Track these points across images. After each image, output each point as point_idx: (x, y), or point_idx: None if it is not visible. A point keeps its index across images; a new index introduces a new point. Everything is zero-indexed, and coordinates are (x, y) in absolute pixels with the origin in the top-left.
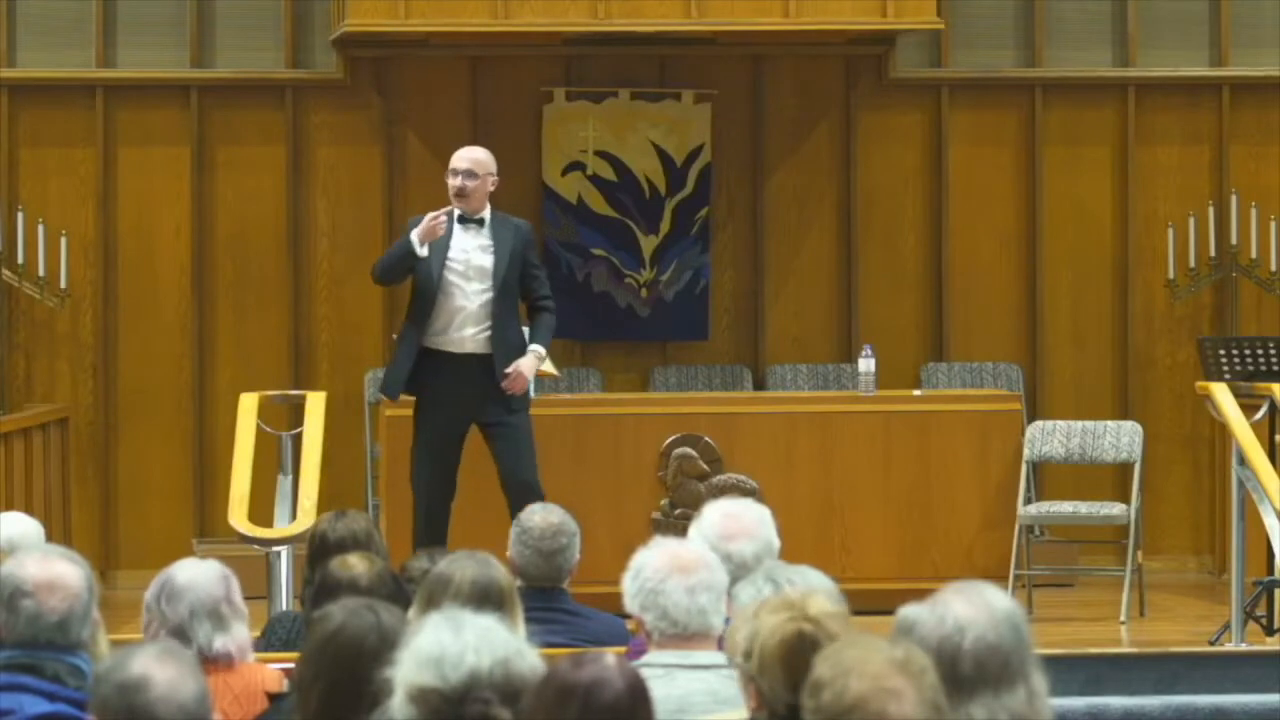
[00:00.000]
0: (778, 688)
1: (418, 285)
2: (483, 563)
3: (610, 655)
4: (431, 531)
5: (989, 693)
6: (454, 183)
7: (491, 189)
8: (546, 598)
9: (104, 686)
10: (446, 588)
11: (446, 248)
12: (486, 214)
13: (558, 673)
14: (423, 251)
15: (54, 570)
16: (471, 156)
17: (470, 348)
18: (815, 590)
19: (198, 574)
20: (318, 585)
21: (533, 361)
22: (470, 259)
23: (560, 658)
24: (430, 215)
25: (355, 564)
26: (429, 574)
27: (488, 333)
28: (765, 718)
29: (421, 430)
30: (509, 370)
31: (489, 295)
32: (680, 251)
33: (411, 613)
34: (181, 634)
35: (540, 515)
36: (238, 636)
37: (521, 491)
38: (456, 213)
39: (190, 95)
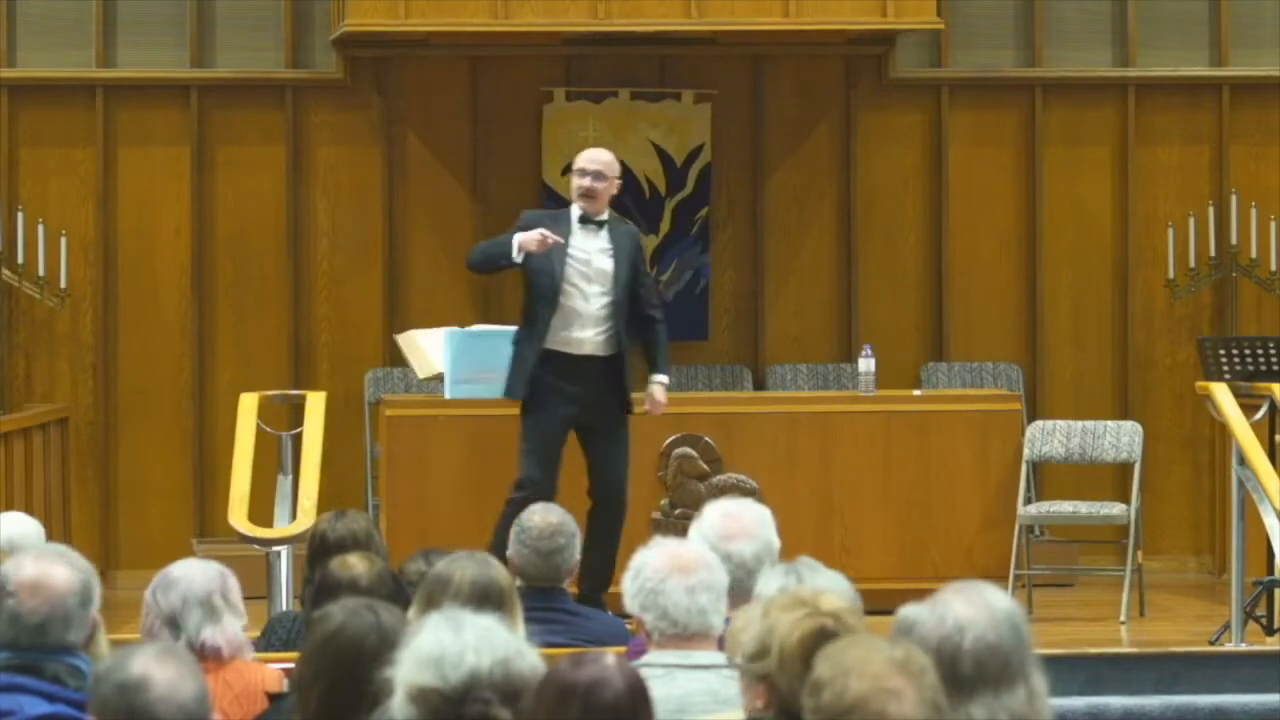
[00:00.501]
0: (797, 684)
1: (537, 285)
2: (482, 563)
3: (610, 655)
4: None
5: (989, 693)
6: (582, 183)
7: (615, 192)
8: (546, 598)
9: (104, 686)
10: (446, 587)
11: (566, 249)
12: (605, 216)
13: (557, 673)
14: (518, 258)
15: (40, 571)
16: (600, 159)
17: (588, 350)
18: (824, 588)
19: (194, 568)
20: (318, 585)
21: (661, 392)
22: (592, 261)
23: (560, 658)
24: (541, 232)
25: (355, 564)
26: (428, 574)
27: (605, 335)
28: (773, 717)
29: (533, 431)
30: (649, 406)
31: (608, 299)
32: (680, 251)
33: (411, 613)
34: (173, 623)
35: (540, 515)
36: (228, 630)
37: (614, 495)
38: (577, 213)
39: (190, 95)
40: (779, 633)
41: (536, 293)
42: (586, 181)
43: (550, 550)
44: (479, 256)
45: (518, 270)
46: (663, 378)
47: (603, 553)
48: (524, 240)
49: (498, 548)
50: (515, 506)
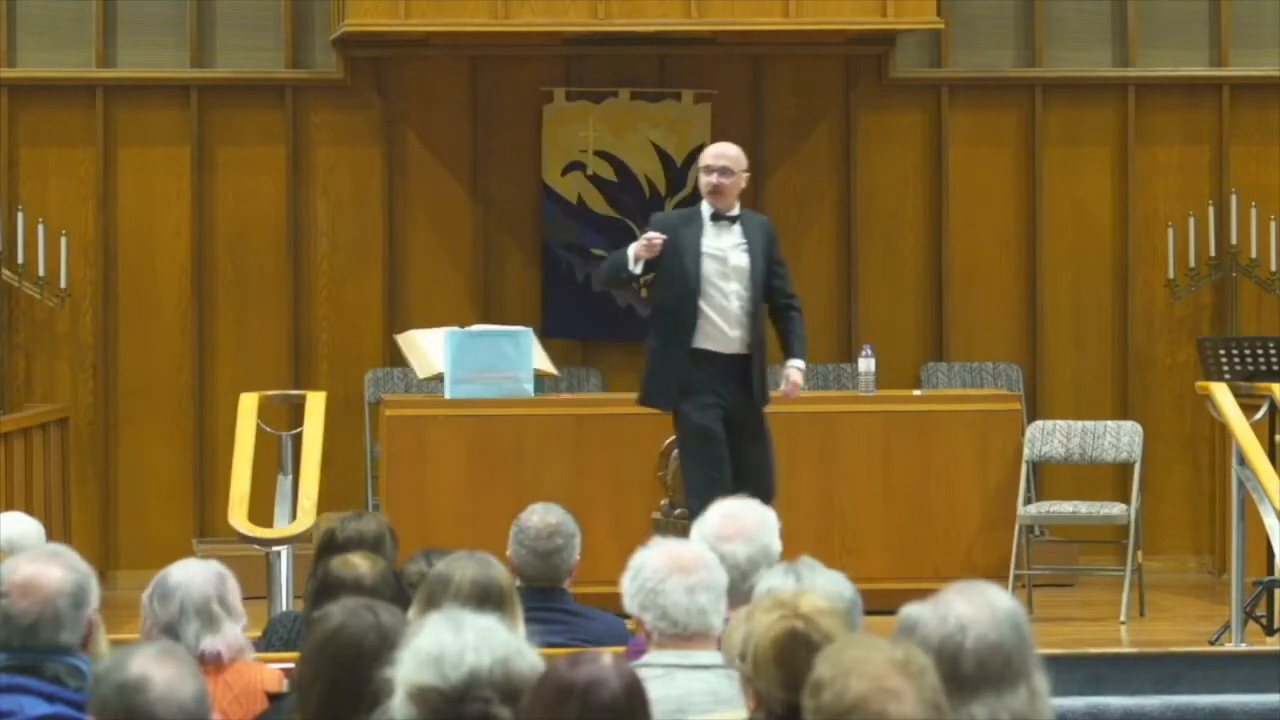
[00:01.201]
0: (773, 687)
1: (675, 288)
2: (482, 563)
3: (607, 655)
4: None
5: (991, 692)
6: (709, 179)
7: (743, 185)
8: (546, 598)
9: (103, 687)
10: (446, 587)
11: (699, 247)
12: (736, 211)
13: (555, 673)
14: (636, 269)
15: (33, 572)
16: (726, 153)
17: (735, 348)
18: (808, 589)
19: (191, 573)
20: (319, 583)
21: (798, 375)
22: (728, 258)
23: (558, 658)
24: (647, 236)
25: (358, 563)
26: (429, 574)
27: (747, 332)
28: (764, 718)
29: (694, 435)
30: (785, 388)
31: (748, 295)
32: None
33: (411, 613)
34: (172, 632)
35: (539, 515)
36: (228, 636)
37: (760, 494)
38: (708, 210)
39: (190, 95)
40: (755, 636)
41: (675, 296)
42: (713, 178)
43: (549, 550)
44: (602, 278)
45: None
46: (799, 362)
47: None
48: (636, 250)
49: None
50: (699, 509)
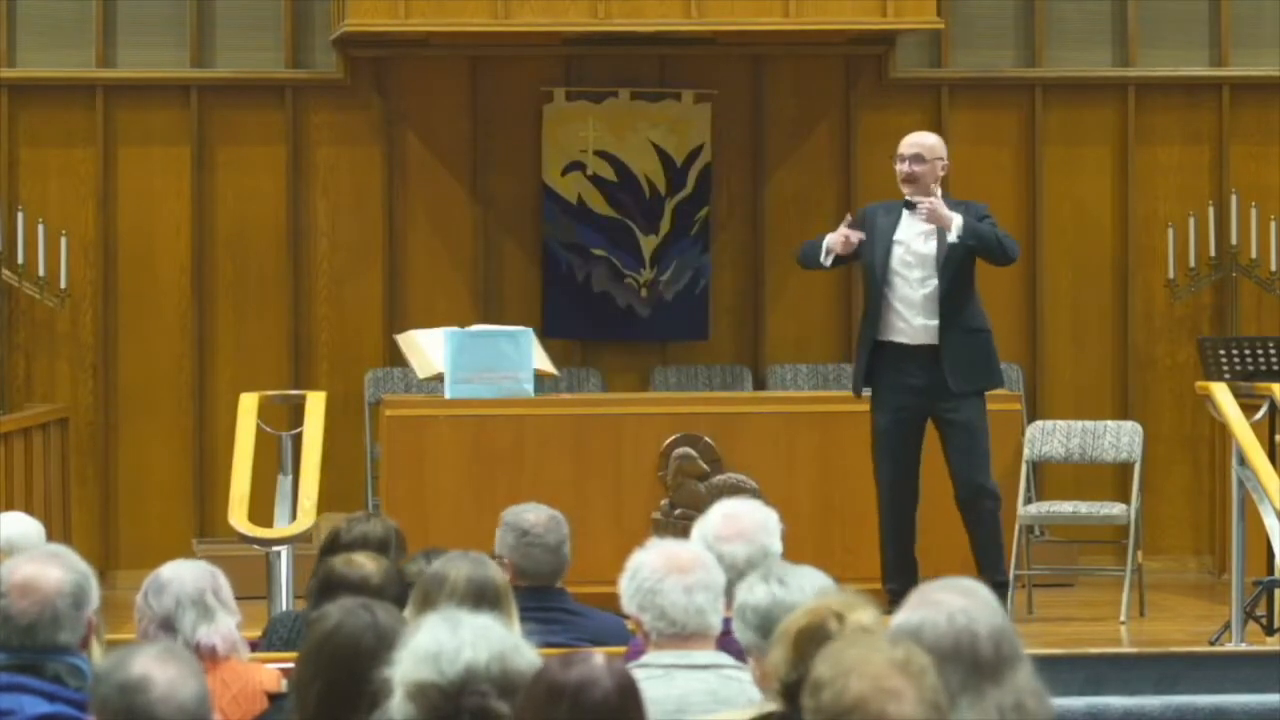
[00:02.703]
0: (781, 664)
1: (869, 277)
2: (477, 562)
3: (599, 655)
4: (897, 543)
5: (1008, 673)
6: (901, 168)
7: (942, 174)
8: (544, 597)
9: (104, 686)
10: (441, 586)
11: (892, 237)
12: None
13: (547, 673)
14: (826, 261)
15: (32, 573)
16: (919, 141)
17: (917, 338)
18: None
19: (183, 568)
20: (321, 583)
21: (950, 215)
22: (912, 246)
23: (550, 658)
24: (843, 231)
25: (363, 563)
26: (424, 574)
27: (937, 322)
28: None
29: (873, 427)
30: (926, 203)
31: (934, 283)
32: (680, 251)
33: (408, 612)
34: (168, 626)
35: (531, 514)
36: (223, 629)
37: (971, 494)
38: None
39: (190, 95)
40: (793, 616)
41: (869, 284)
42: (905, 167)
43: (558, 543)
44: (801, 258)
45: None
46: (956, 218)
47: (986, 554)
48: (830, 242)
49: (888, 567)
50: (882, 512)
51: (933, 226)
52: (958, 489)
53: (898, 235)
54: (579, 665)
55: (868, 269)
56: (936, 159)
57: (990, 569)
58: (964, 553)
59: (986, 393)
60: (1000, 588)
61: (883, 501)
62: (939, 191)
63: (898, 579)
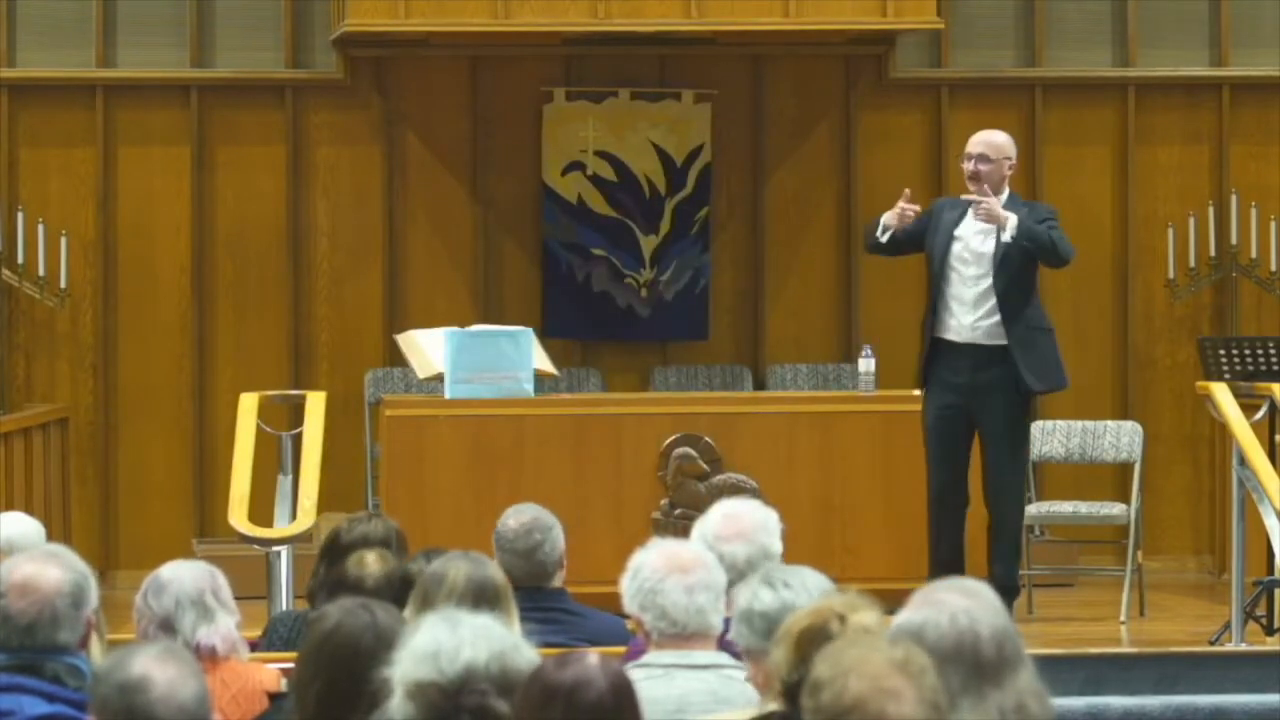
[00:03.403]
0: (782, 664)
1: (930, 270)
2: (477, 562)
3: (594, 655)
4: (942, 542)
5: (1010, 674)
6: (966, 166)
7: (1009, 173)
8: (540, 597)
9: (104, 686)
10: (441, 586)
11: (953, 232)
12: (1003, 199)
13: (542, 673)
14: (883, 238)
15: (31, 573)
16: (986, 140)
17: (968, 337)
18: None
19: (183, 569)
20: (331, 583)
21: (1005, 213)
22: (970, 244)
23: (546, 658)
24: (901, 205)
25: (370, 562)
26: (423, 574)
27: (988, 322)
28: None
29: (925, 424)
30: (984, 203)
31: (988, 282)
32: (680, 251)
33: (407, 612)
34: (168, 626)
35: (513, 518)
36: (223, 629)
37: (1001, 499)
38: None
39: (190, 95)
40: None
41: (930, 280)
42: (970, 165)
43: (529, 549)
44: (865, 241)
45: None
46: (1011, 217)
47: (1003, 554)
48: (886, 219)
49: (934, 566)
50: (930, 510)
51: (993, 226)
52: (984, 491)
53: (959, 231)
54: (574, 665)
55: (928, 262)
56: (1004, 158)
57: (1002, 574)
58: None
59: (1049, 393)
60: (1009, 593)
61: (930, 500)
62: (1007, 190)
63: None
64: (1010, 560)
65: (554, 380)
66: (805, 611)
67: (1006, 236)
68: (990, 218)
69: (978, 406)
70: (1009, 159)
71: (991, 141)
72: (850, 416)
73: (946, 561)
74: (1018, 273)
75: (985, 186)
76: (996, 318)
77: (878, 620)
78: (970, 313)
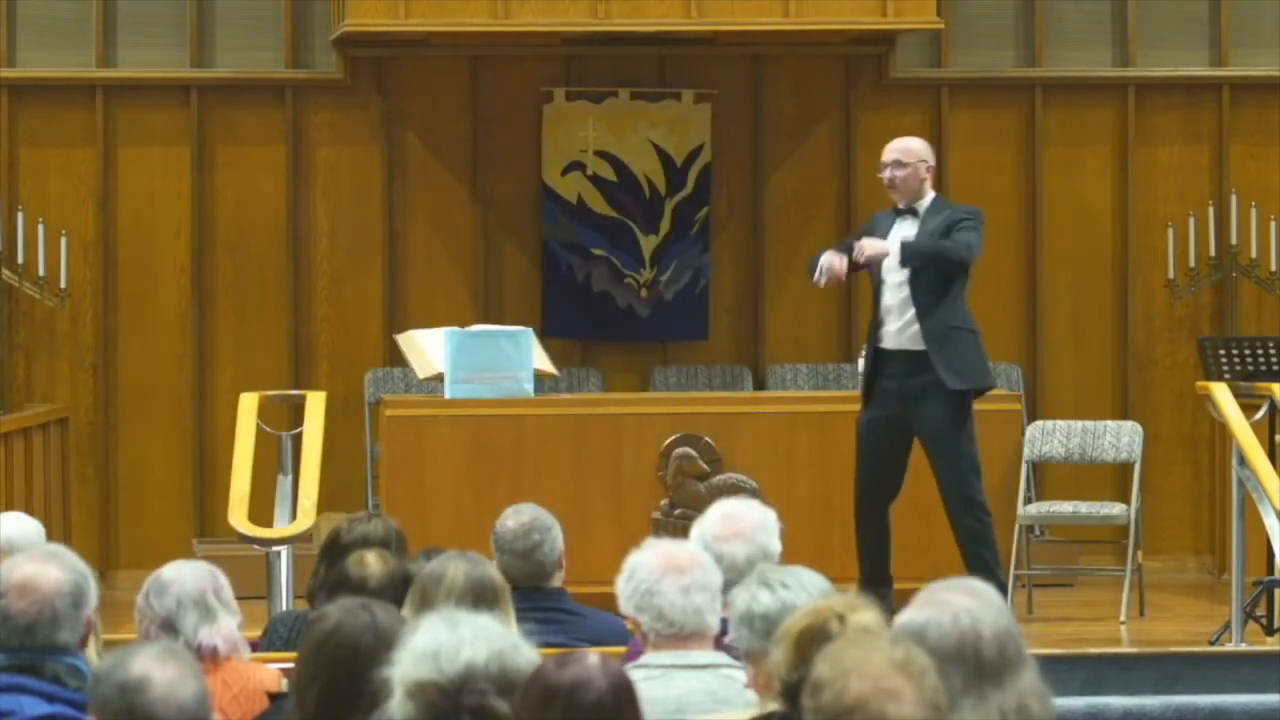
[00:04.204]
0: (782, 664)
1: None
2: (474, 561)
3: (594, 655)
4: (864, 535)
5: (1011, 675)
6: (882, 175)
7: (927, 176)
8: (540, 598)
9: (104, 687)
10: (439, 585)
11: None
12: (925, 203)
13: (542, 673)
14: (820, 282)
15: (30, 573)
16: (900, 146)
17: (897, 343)
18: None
19: (184, 569)
20: (333, 582)
21: (884, 247)
22: (890, 258)
23: (546, 658)
24: (824, 269)
25: (371, 562)
26: (421, 573)
27: (914, 328)
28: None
29: (858, 429)
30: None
31: (908, 289)
32: (680, 251)
33: (405, 612)
34: (170, 627)
35: (511, 519)
36: (224, 629)
37: (955, 507)
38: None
39: (190, 95)
40: (794, 615)
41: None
42: (886, 174)
43: (527, 549)
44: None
45: None
46: (897, 246)
47: (975, 559)
48: (818, 273)
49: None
50: (855, 516)
51: (917, 231)
52: (944, 502)
53: (889, 241)
54: (573, 666)
55: (870, 275)
56: (919, 162)
57: (984, 577)
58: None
59: (981, 393)
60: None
61: (855, 501)
62: (930, 194)
63: (870, 585)
64: (984, 567)
65: (554, 380)
66: (805, 611)
67: (892, 263)
68: (869, 260)
69: (913, 414)
70: (925, 162)
71: (905, 148)
72: (850, 416)
73: (870, 563)
74: (932, 277)
75: (894, 194)
76: (916, 324)
77: (877, 620)
78: (897, 320)
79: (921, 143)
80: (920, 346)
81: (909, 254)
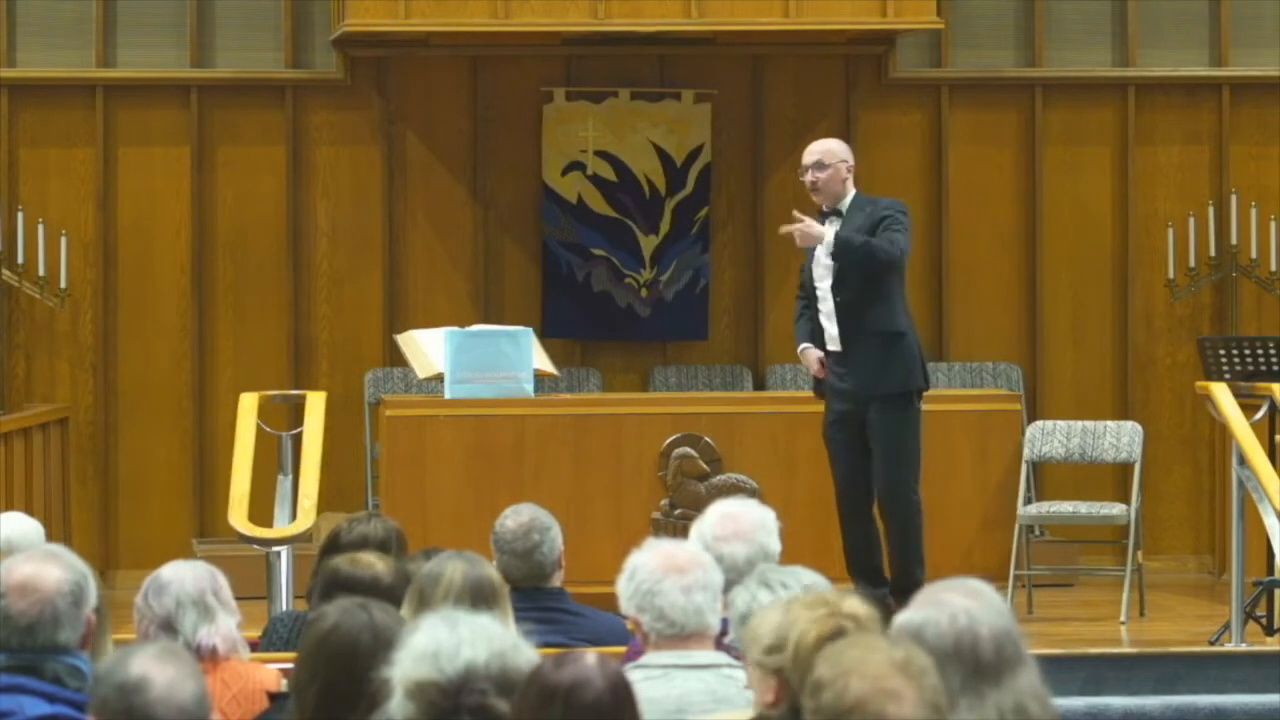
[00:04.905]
0: (794, 675)
1: None
2: (472, 561)
3: (592, 655)
4: (849, 537)
5: (1009, 675)
6: (805, 179)
7: (847, 176)
8: (540, 598)
9: (103, 687)
10: (437, 585)
11: (813, 252)
12: (847, 202)
13: (540, 674)
14: (798, 346)
15: (30, 573)
16: (820, 148)
17: (833, 345)
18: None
19: (183, 569)
20: (327, 581)
21: (819, 230)
22: (821, 260)
23: (544, 658)
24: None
25: (371, 562)
26: (419, 573)
27: (841, 328)
28: (785, 711)
29: (823, 431)
30: (798, 226)
31: (833, 292)
32: (680, 251)
33: (404, 611)
34: (169, 627)
35: (511, 519)
36: (224, 629)
37: (885, 504)
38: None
39: (190, 95)
40: (798, 628)
41: None
42: (808, 176)
43: (526, 549)
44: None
45: None
46: (830, 231)
47: (895, 558)
48: (805, 358)
49: (850, 567)
50: (838, 513)
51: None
52: (878, 499)
53: (817, 250)
54: (572, 666)
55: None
56: (839, 162)
57: (901, 575)
58: (962, 551)
59: (917, 394)
60: (907, 592)
61: (837, 502)
62: (852, 191)
63: (861, 579)
64: (906, 562)
65: (554, 380)
66: (808, 620)
67: (822, 252)
68: (805, 240)
69: (862, 409)
70: (845, 162)
71: (825, 149)
72: None
73: (861, 563)
74: (858, 281)
75: (818, 196)
76: (847, 323)
77: (868, 612)
78: (832, 324)
79: (840, 143)
80: (848, 346)
81: (840, 248)
